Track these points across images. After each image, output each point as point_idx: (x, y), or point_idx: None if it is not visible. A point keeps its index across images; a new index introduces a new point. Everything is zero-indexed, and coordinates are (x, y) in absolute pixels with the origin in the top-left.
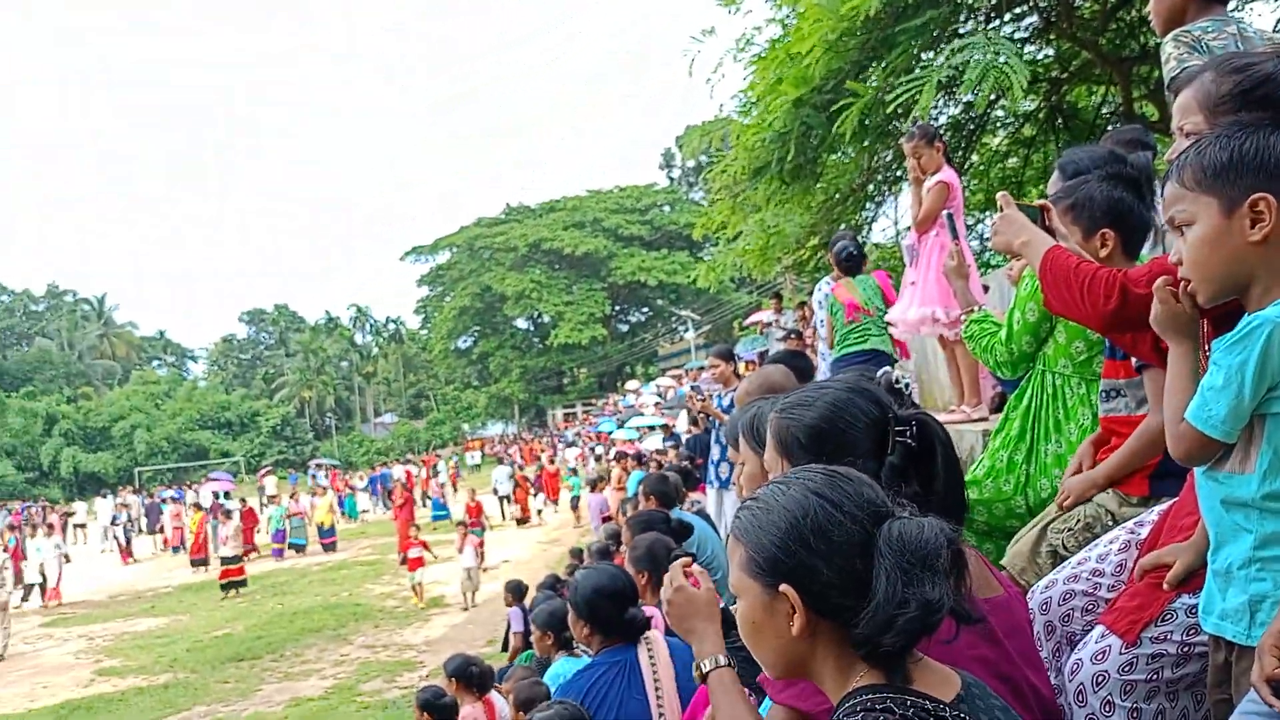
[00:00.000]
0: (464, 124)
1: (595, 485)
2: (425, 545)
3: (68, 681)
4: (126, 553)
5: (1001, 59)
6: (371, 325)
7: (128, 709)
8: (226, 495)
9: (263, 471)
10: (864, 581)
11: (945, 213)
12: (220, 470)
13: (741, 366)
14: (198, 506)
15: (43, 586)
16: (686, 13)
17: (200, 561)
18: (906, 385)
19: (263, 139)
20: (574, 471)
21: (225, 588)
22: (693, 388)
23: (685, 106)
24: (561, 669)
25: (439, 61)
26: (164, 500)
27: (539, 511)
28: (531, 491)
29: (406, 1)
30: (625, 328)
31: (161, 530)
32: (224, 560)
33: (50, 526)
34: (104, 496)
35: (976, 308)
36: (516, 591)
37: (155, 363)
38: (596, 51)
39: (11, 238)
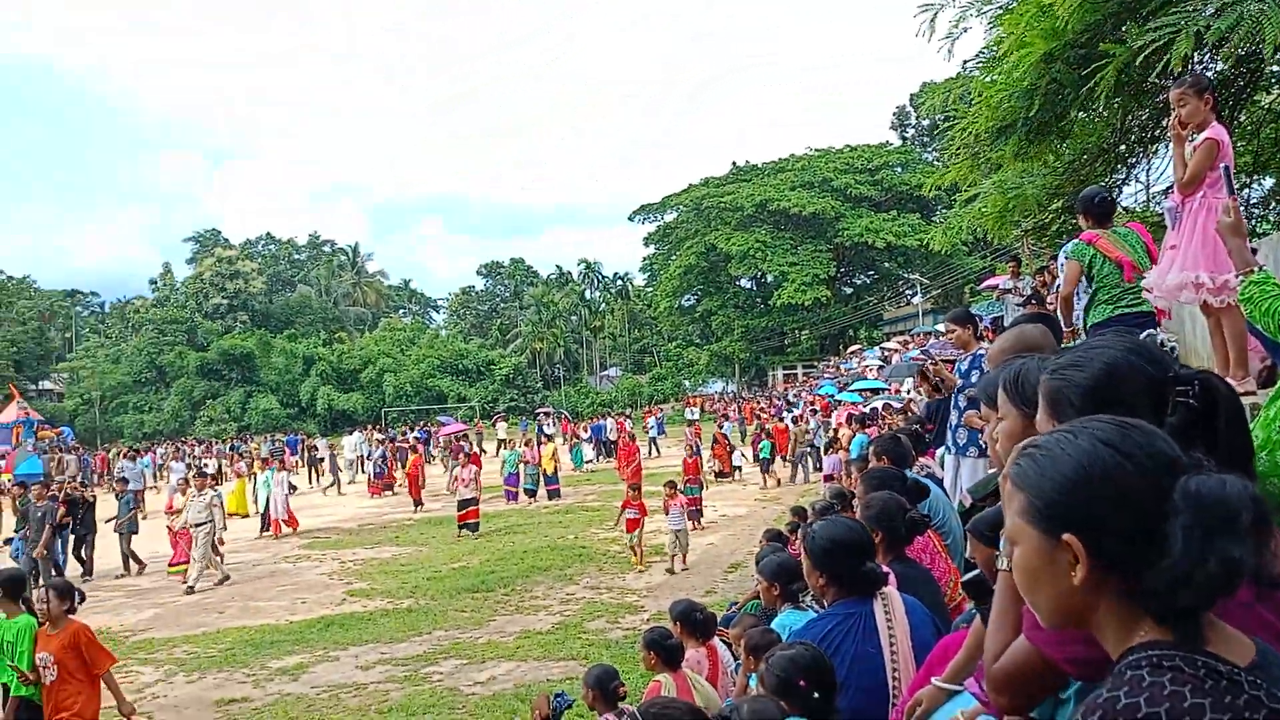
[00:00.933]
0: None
1: (829, 447)
2: (642, 508)
3: (323, 599)
4: (376, 487)
5: (1258, 5)
6: (600, 281)
7: (375, 627)
8: (465, 438)
9: (496, 417)
10: (1155, 536)
11: (1223, 166)
12: (448, 415)
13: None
14: (414, 449)
15: (265, 516)
16: None
17: (417, 502)
18: (1172, 349)
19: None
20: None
21: (462, 528)
22: (923, 352)
23: (917, 65)
24: (787, 620)
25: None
26: (407, 440)
27: (746, 468)
28: (730, 448)
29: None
30: (850, 290)
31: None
32: (461, 503)
33: (282, 463)
34: (349, 434)
35: (1256, 268)
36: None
37: (401, 311)
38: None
39: (275, 192)
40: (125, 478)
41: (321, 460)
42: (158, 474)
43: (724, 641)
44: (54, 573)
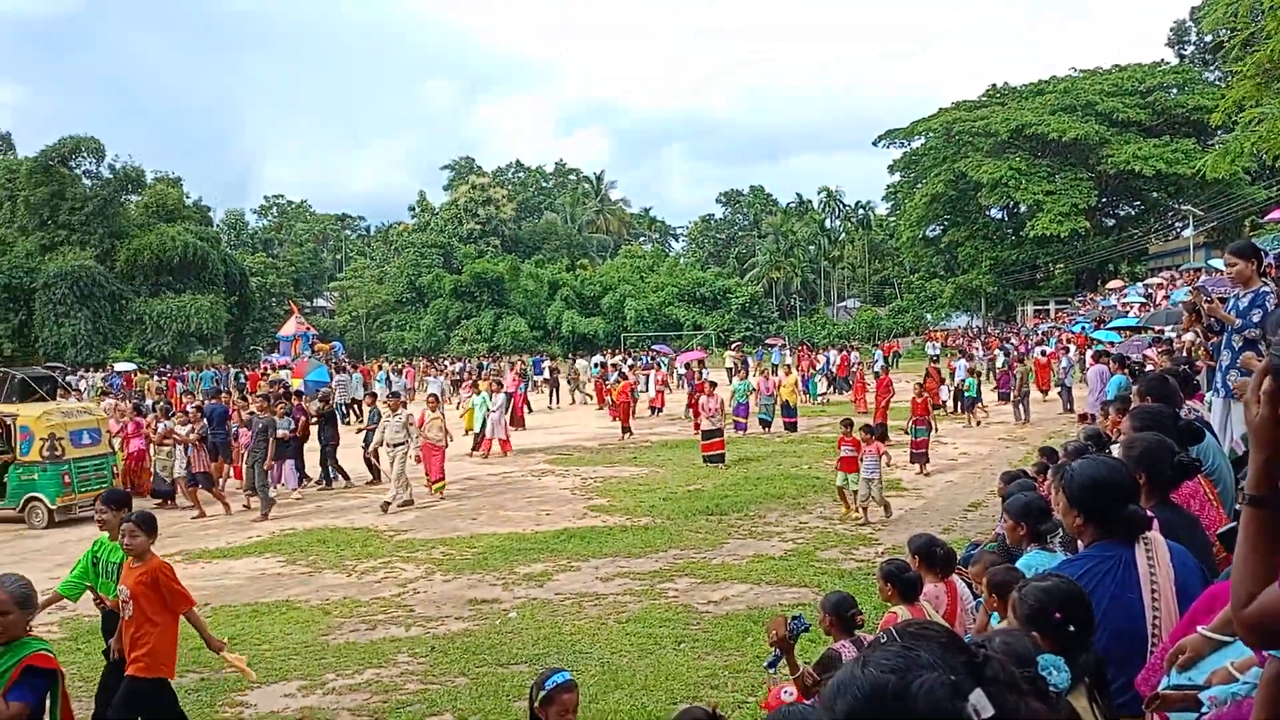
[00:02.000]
0: None
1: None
2: (856, 444)
3: (565, 512)
4: (616, 410)
5: None
6: (841, 209)
7: (614, 542)
8: (701, 365)
9: (733, 345)
10: None
11: None
12: (662, 343)
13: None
14: (623, 375)
15: (478, 436)
16: None
17: (625, 429)
18: None
19: None
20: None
21: (707, 460)
22: (1197, 288)
23: None
24: (1033, 561)
25: None
26: (639, 365)
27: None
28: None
29: None
30: (1112, 222)
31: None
32: (705, 434)
33: (500, 384)
34: (583, 357)
35: None
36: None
37: (641, 238)
38: None
39: (526, 121)
40: (396, 391)
41: (558, 381)
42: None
43: (963, 580)
44: (268, 490)
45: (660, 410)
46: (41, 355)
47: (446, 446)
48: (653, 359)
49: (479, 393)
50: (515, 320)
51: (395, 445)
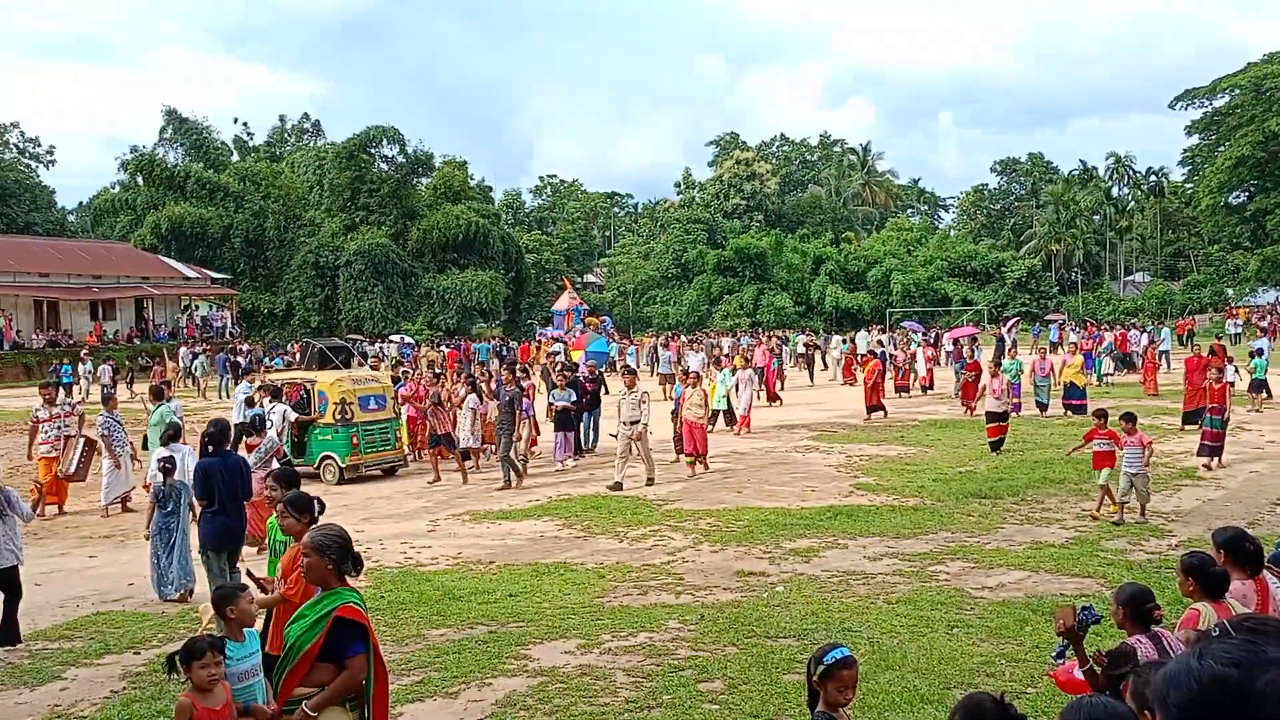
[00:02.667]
0: None
1: None
2: (1115, 437)
3: (830, 490)
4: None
5: None
6: (1130, 176)
7: (881, 521)
8: (974, 342)
9: (1010, 322)
10: None
11: None
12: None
13: None
14: (870, 353)
15: (728, 414)
16: None
17: (876, 408)
18: None
19: None
20: None
21: (995, 446)
22: None
23: None
24: None
25: None
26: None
27: None
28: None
29: None
30: None
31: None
32: (989, 415)
33: (746, 360)
34: (836, 332)
35: None
36: None
37: (909, 210)
38: None
39: (790, 94)
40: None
41: (813, 357)
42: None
43: (1275, 579)
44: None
45: (930, 388)
46: (343, 327)
47: (708, 422)
48: (904, 337)
49: (721, 369)
50: (778, 296)
51: (631, 424)
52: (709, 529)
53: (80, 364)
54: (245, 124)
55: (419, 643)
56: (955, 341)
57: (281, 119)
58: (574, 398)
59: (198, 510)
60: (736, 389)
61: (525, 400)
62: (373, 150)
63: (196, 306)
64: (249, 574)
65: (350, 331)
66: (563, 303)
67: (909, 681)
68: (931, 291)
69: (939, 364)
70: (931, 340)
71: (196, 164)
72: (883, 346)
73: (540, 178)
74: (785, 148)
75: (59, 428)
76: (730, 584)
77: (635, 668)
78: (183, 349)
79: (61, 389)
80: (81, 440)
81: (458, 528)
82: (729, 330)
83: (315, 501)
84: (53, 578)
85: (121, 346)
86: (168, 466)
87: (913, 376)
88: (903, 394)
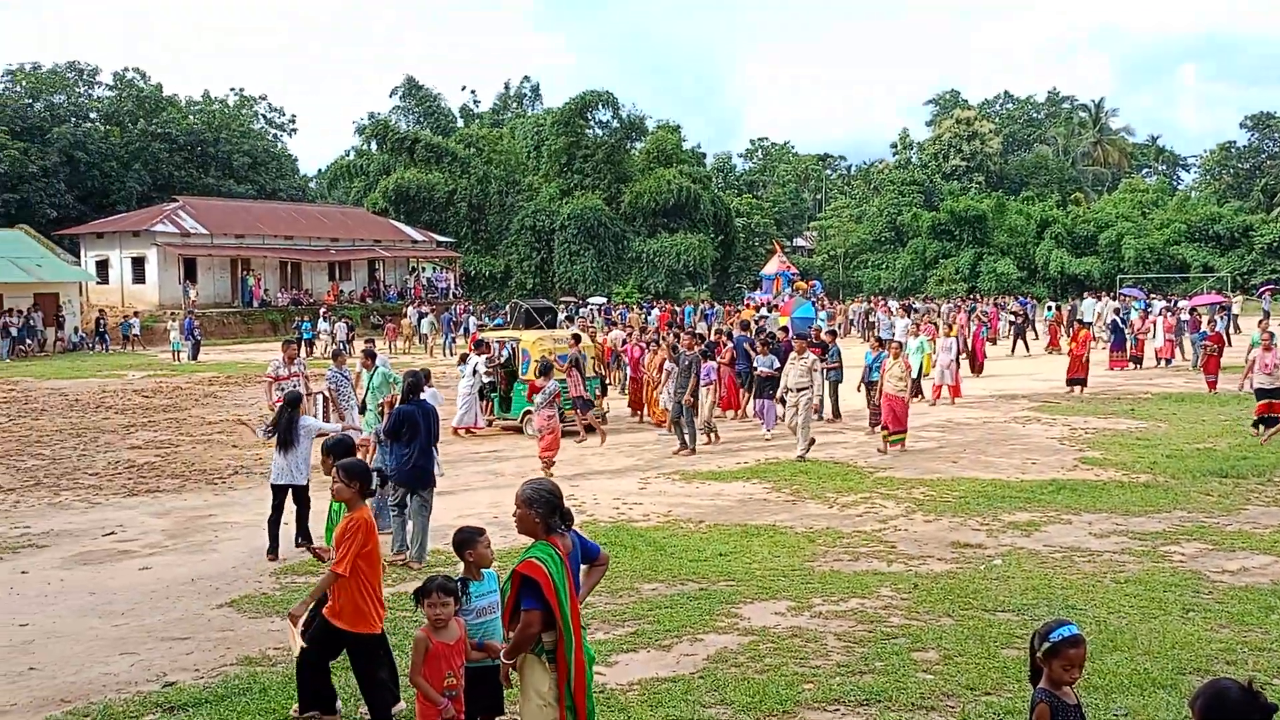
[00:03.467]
0: None
1: None
2: None
3: (1053, 463)
4: (1119, 360)
5: None
6: None
7: (1109, 497)
8: (1225, 313)
9: (1264, 288)
10: None
11: None
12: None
13: None
14: (1080, 322)
15: (913, 382)
16: None
17: (1077, 381)
18: None
19: None
20: None
21: (1259, 423)
22: None
23: None
24: None
25: None
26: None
27: None
28: None
29: None
30: None
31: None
32: (1259, 393)
33: (950, 328)
34: (1050, 299)
35: None
36: None
37: (1145, 171)
38: None
39: (1016, 49)
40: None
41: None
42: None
43: None
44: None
45: (1169, 361)
46: (558, 290)
47: (909, 396)
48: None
49: (917, 337)
50: (1000, 260)
51: (799, 390)
52: (922, 498)
53: (321, 321)
54: (473, 91)
55: (632, 596)
56: (1192, 310)
57: (505, 86)
58: (776, 364)
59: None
60: (934, 358)
61: (707, 364)
62: (588, 115)
63: (423, 268)
64: (305, 544)
65: (564, 294)
66: (771, 266)
67: (1139, 664)
68: (1168, 257)
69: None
70: (1170, 309)
71: (426, 130)
72: (1118, 315)
73: (751, 141)
74: (1010, 105)
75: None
76: (945, 554)
77: (846, 633)
78: (410, 309)
79: (303, 345)
80: (320, 396)
81: (668, 486)
82: (943, 296)
83: (374, 474)
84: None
85: (356, 305)
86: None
87: (1148, 346)
88: (1135, 365)
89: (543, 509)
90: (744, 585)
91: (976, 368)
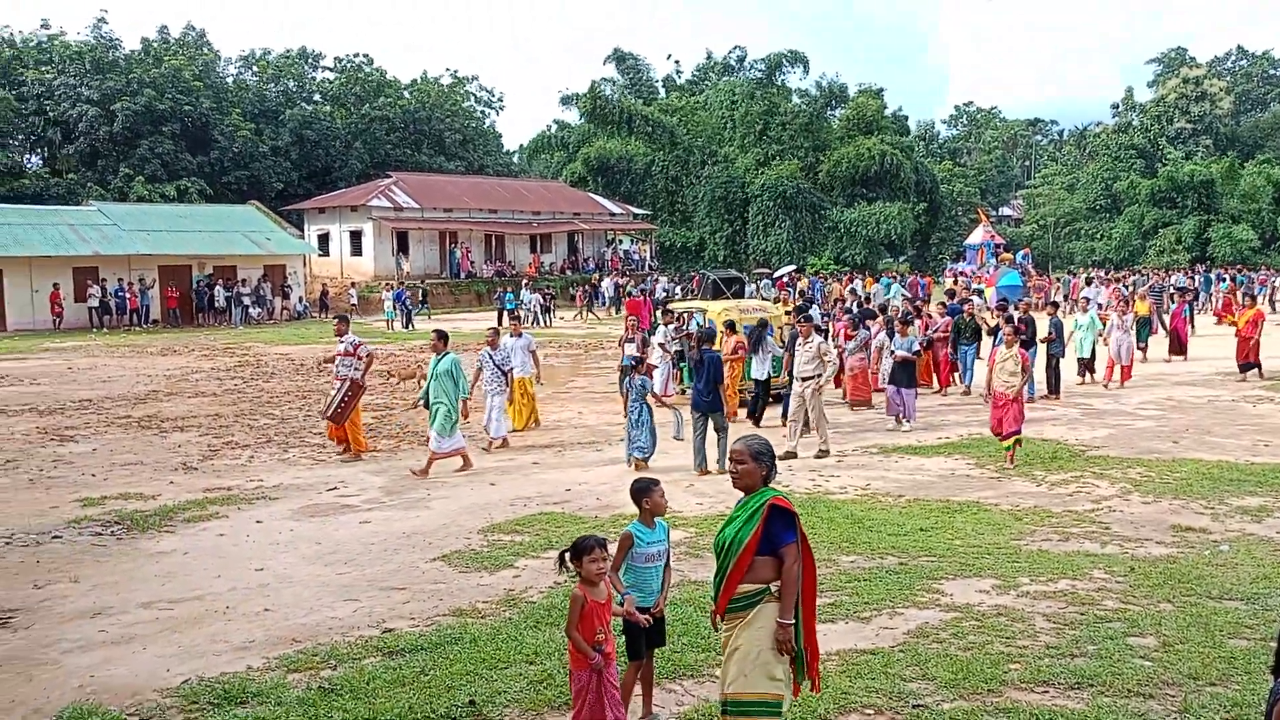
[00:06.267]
0: None
1: None
2: None
3: None
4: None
5: None
6: None
7: None
8: None
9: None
10: None
11: None
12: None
13: None
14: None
15: (1087, 363)
16: None
17: (1249, 365)
18: None
19: None
20: None
21: None
22: None
23: None
24: None
25: None
26: None
27: None
28: None
29: None
30: None
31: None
32: None
33: (1124, 303)
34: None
35: None
36: None
37: None
38: None
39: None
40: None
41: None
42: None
43: None
44: None
45: None
46: (751, 261)
47: (1020, 395)
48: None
49: (1085, 312)
50: (1237, 227)
51: (803, 379)
52: (1139, 479)
53: (524, 292)
54: (676, 61)
55: (829, 566)
56: None
57: (708, 55)
58: (916, 346)
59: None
60: (1106, 337)
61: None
62: (782, 77)
63: (620, 240)
64: None
65: (758, 265)
66: (976, 236)
67: None
68: None
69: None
70: None
71: (630, 100)
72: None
73: (956, 107)
74: (1244, 62)
75: (343, 362)
76: (1165, 538)
77: (1056, 614)
78: (606, 280)
79: (506, 315)
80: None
81: (865, 459)
82: (1163, 268)
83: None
84: (505, 479)
85: (556, 277)
86: (632, 362)
87: None
88: None
89: (769, 461)
90: (946, 561)
91: (1177, 348)
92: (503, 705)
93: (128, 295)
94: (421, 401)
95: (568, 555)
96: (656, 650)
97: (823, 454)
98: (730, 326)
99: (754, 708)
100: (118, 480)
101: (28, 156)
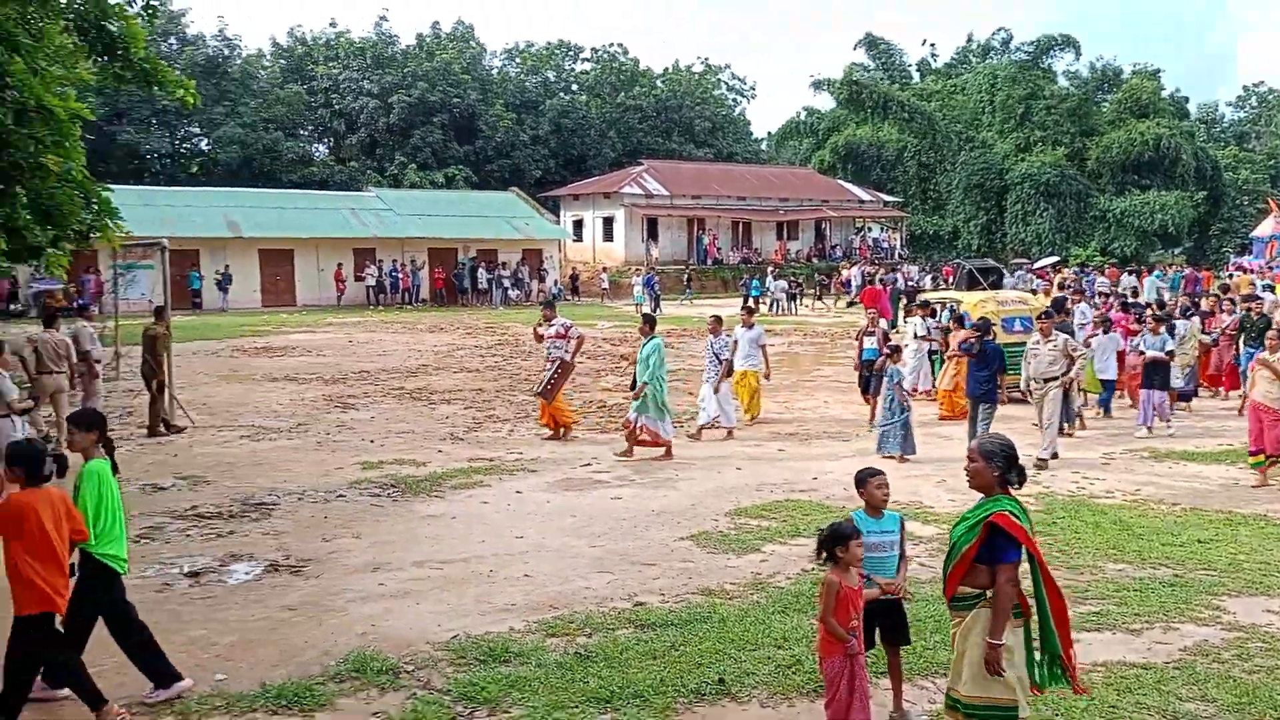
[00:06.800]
0: None
1: None
2: None
3: None
4: None
5: None
6: None
7: None
8: None
9: None
10: None
11: None
12: None
13: None
14: None
15: None
16: None
17: None
18: None
19: None
20: None
21: None
22: None
23: None
24: None
25: None
26: None
27: None
28: None
29: None
30: None
31: None
32: None
33: None
34: None
35: None
36: None
37: None
38: None
39: None
40: None
41: None
42: None
43: None
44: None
45: None
46: (1009, 251)
47: None
48: None
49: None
50: None
51: (1045, 380)
52: None
53: (769, 279)
54: (932, 45)
55: (1094, 574)
56: None
57: (969, 38)
58: (1169, 345)
59: None
60: None
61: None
62: (1049, 61)
63: (869, 228)
64: None
65: (1015, 255)
66: (1265, 228)
67: None
68: None
69: None
70: None
71: (885, 85)
72: None
73: (1244, 87)
74: None
75: (553, 345)
76: None
77: None
78: (854, 269)
79: (753, 303)
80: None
81: (1135, 464)
82: None
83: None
84: (751, 464)
85: (802, 265)
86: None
87: None
88: None
89: (1001, 463)
90: (1228, 577)
91: None
92: (751, 686)
93: (400, 275)
94: (632, 386)
95: (827, 541)
96: (904, 647)
97: (1041, 464)
98: (959, 320)
99: (988, 712)
100: (392, 446)
101: (316, 146)
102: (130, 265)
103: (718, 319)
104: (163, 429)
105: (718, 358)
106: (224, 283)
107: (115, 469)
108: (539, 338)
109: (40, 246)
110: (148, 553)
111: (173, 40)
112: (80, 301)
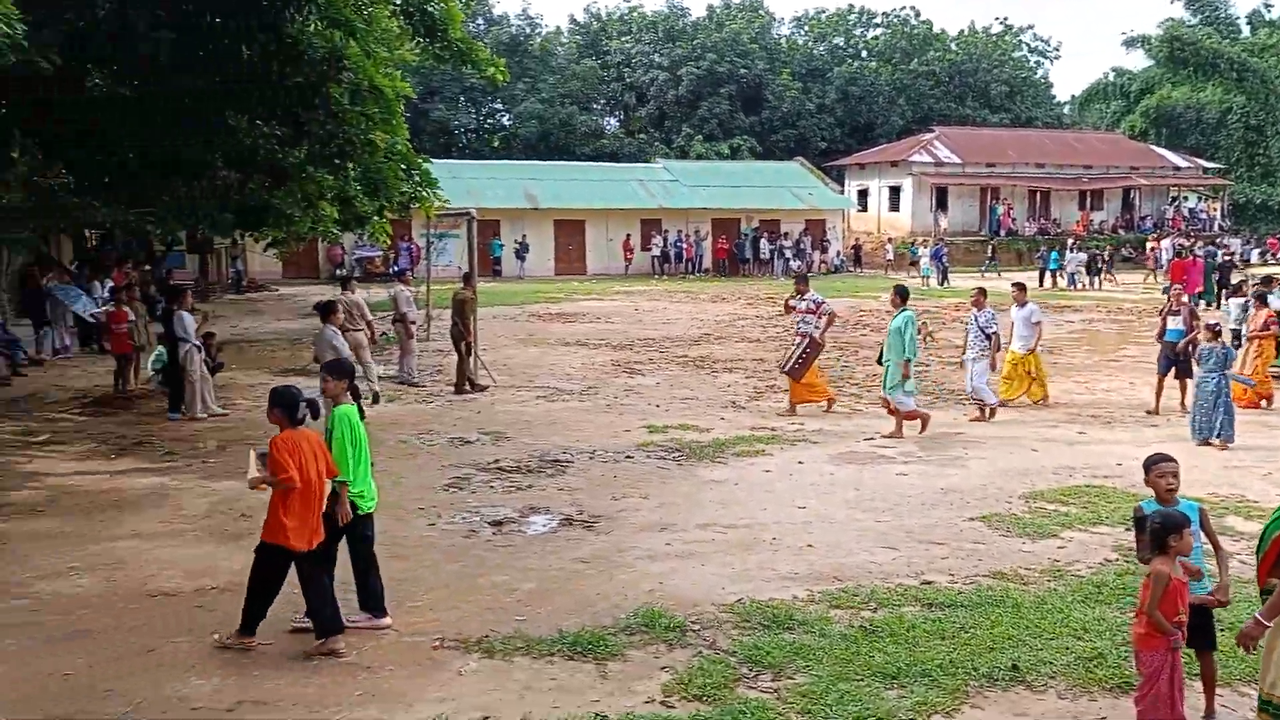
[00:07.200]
0: None
1: None
2: None
3: None
4: None
5: None
6: None
7: None
8: None
9: None
10: None
11: None
12: None
13: None
14: None
15: None
16: None
17: None
18: None
19: None
20: None
21: None
22: None
23: None
24: None
25: None
26: None
27: None
28: None
29: None
30: None
31: None
32: None
33: None
34: None
35: None
36: None
37: None
38: None
39: None
40: None
41: None
42: None
43: None
44: None
45: None
46: None
47: None
48: None
49: None
50: None
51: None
52: None
53: (1068, 252)
54: None
55: None
56: None
57: None
58: None
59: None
60: None
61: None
62: None
63: (1184, 197)
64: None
65: None
66: None
67: None
68: None
69: None
70: None
71: (1213, 40)
72: None
73: None
74: None
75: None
76: None
77: None
78: (1166, 241)
79: (1049, 276)
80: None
81: None
82: None
83: None
84: (1047, 446)
85: (1106, 236)
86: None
87: None
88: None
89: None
90: None
91: None
92: (1047, 676)
93: (684, 245)
94: (878, 360)
95: (1159, 529)
96: (1220, 651)
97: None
98: (1262, 299)
99: None
100: (676, 412)
101: (608, 119)
102: (443, 235)
103: (981, 290)
104: (468, 387)
105: (984, 332)
106: (521, 251)
107: (362, 414)
108: (789, 309)
109: (366, 215)
110: (456, 501)
111: (480, 20)
112: (397, 267)
